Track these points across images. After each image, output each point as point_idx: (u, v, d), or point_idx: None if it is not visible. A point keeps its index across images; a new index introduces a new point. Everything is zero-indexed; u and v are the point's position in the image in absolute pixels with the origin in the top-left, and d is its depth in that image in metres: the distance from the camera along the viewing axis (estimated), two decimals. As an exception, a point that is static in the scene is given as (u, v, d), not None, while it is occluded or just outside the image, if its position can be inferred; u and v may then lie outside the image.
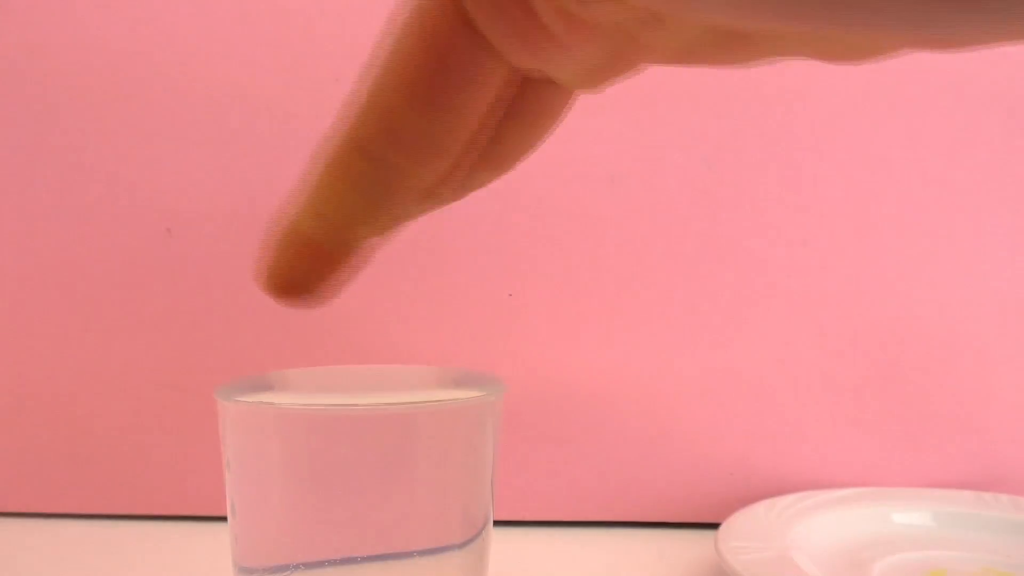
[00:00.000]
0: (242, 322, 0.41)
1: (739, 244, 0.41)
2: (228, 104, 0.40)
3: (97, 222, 0.41)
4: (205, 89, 0.40)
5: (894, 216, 0.41)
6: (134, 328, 0.41)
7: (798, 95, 0.41)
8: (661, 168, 0.41)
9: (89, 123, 0.41)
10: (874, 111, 0.41)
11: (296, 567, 0.23)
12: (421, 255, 0.40)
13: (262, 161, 0.40)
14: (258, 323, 0.41)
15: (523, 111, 0.17)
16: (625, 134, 0.41)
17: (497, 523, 0.31)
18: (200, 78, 0.40)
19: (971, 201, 0.41)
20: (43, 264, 0.41)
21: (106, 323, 0.41)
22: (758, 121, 0.41)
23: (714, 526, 0.36)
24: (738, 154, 0.41)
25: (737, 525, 0.35)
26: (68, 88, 0.40)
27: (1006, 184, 0.41)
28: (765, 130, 0.41)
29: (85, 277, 0.41)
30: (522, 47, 0.15)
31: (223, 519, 0.25)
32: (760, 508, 0.38)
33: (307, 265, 0.18)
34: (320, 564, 0.23)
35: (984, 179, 0.41)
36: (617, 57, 0.15)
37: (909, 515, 0.39)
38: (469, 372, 0.29)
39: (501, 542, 0.37)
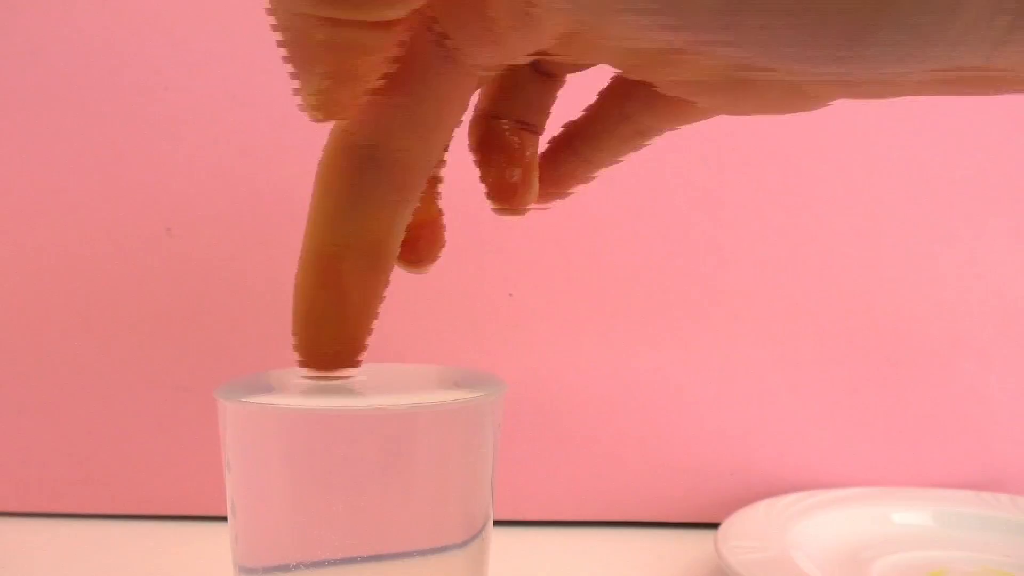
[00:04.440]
0: (242, 322, 0.41)
1: (739, 244, 0.41)
2: (228, 104, 0.40)
3: (97, 222, 0.41)
4: (205, 89, 0.40)
5: (894, 216, 0.41)
6: (134, 328, 0.41)
7: (798, 95, 0.41)
8: (661, 168, 0.41)
9: (89, 123, 0.41)
10: (874, 110, 0.41)
11: (296, 567, 0.23)
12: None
13: (262, 161, 0.40)
14: (258, 323, 0.41)
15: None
16: (625, 134, 0.41)
17: (497, 523, 0.31)
18: (200, 78, 0.40)
19: (971, 201, 0.41)
20: (43, 264, 0.41)
21: (106, 323, 0.41)
22: (758, 121, 0.41)
23: (714, 526, 0.36)
24: (738, 154, 0.41)
25: (737, 525, 0.35)
26: (68, 88, 0.40)
27: (1006, 184, 0.41)
28: (765, 130, 0.41)
29: (85, 277, 0.41)
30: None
31: (223, 519, 0.25)
32: (760, 508, 0.38)
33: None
34: (320, 564, 0.23)
35: (984, 179, 0.41)
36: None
37: (909, 515, 0.39)
38: (470, 372, 0.29)
39: (501, 542, 0.37)
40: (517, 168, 0.21)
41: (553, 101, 0.22)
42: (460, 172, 0.22)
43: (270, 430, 0.23)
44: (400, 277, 0.45)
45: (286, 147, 0.40)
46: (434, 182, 0.21)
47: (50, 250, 0.41)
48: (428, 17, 0.16)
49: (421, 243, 0.22)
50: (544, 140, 0.23)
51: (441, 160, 0.21)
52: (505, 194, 0.21)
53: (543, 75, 0.21)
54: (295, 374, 0.28)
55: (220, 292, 0.41)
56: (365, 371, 0.30)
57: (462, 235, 0.42)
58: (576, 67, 0.21)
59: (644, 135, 0.22)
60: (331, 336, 0.19)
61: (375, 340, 0.39)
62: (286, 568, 0.23)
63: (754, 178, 0.41)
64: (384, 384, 0.28)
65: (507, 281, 0.41)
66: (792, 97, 0.16)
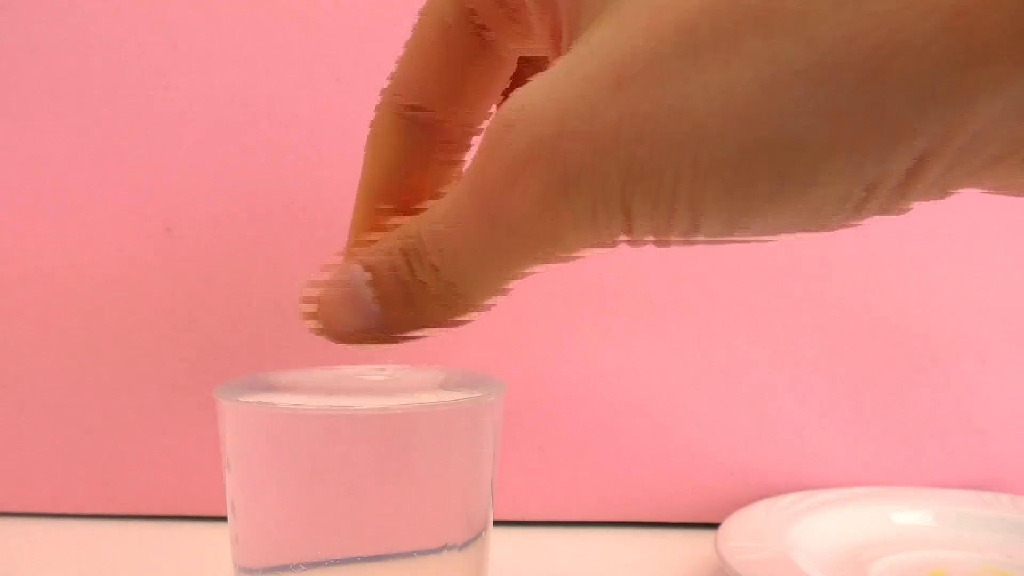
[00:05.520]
0: (242, 322, 0.41)
1: (739, 244, 0.41)
2: (228, 104, 0.40)
3: (97, 222, 0.41)
4: (205, 89, 0.40)
5: (894, 216, 0.41)
6: (133, 328, 0.41)
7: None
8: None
9: (89, 122, 0.41)
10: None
11: (296, 567, 0.23)
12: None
13: (262, 161, 0.40)
14: (258, 323, 0.41)
15: None
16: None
17: (497, 523, 0.31)
18: (200, 78, 0.40)
19: (971, 201, 0.41)
20: (43, 264, 0.41)
21: (106, 323, 0.41)
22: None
23: (714, 526, 0.36)
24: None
25: (737, 525, 0.35)
26: (68, 87, 0.40)
27: (1006, 184, 0.41)
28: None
29: (85, 277, 0.41)
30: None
31: (223, 519, 0.25)
32: (760, 508, 0.38)
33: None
34: (320, 564, 0.23)
35: (984, 179, 0.41)
36: None
37: (909, 515, 0.39)
38: (469, 373, 0.29)
39: (501, 542, 0.37)
40: None
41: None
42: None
43: (270, 430, 0.23)
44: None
45: (286, 147, 0.40)
46: (463, 146, 0.22)
47: (50, 250, 0.41)
48: (468, 12, 0.18)
49: None
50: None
51: (480, 123, 0.21)
52: None
53: None
54: (295, 374, 0.28)
55: (220, 292, 0.41)
56: (365, 372, 0.30)
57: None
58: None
59: None
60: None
61: (375, 340, 0.38)
62: (286, 568, 0.23)
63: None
64: (384, 385, 0.28)
65: (507, 281, 0.41)
66: None
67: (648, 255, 0.41)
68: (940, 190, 0.14)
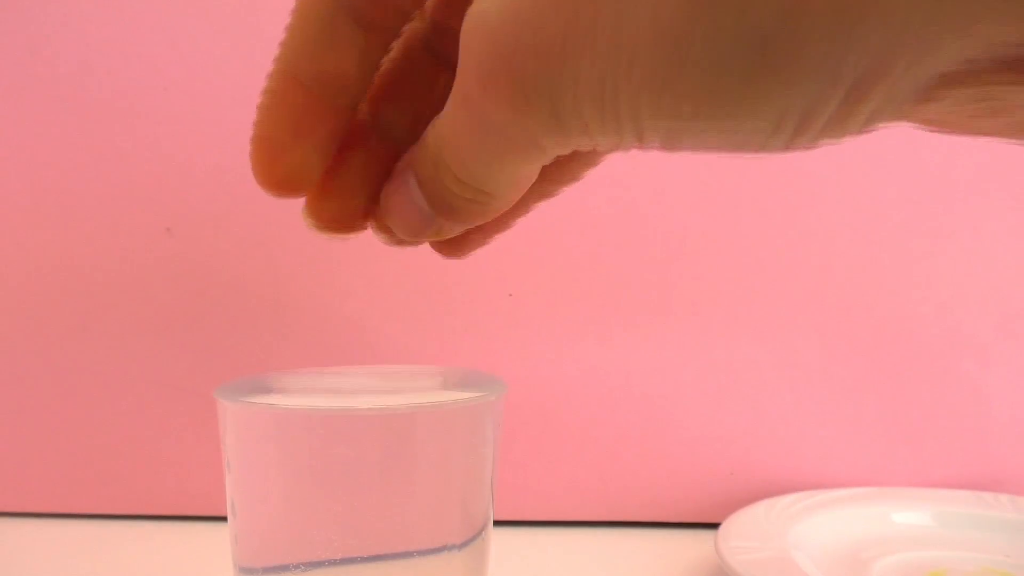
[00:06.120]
0: (242, 322, 0.41)
1: (739, 244, 0.41)
2: (228, 104, 0.40)
3: (97, 222, 0.41)
4: (205, 89, 0.40)
5: (893, 215, 0.41)
6: (134, 328, 0.41)
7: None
8: (661, 167, 0.41)
9: (89, 122, 0.41)
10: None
11: (296, 567, 0.23)
12: (421, 255, 0.40)
13: (262, 161, 0.40)
14: (258, 323, 0.41)
15: None
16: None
17: (497, 523, 0.31)
18: (200, 78, 0.40)
19: (970, 201, 0.41)
20: (43, 264, 0.41)
21: (106, 323, 0.41)
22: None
23: (714, 526, 0.36)
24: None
25: (737, 525, 0.35)
26: (68, 87, 0.40)
27: (1006, 184, 0.41)
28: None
29: (85, 277, 0.41)
30: None
31: (223, 519, 0.25)
32: (760, 508, 0.38)
33: None
34: (320, 564, 0.23)
35: (983, 179, 0.41)
36: None
37: (909, 515, 0.39)
38: (470, 372, 0.29)
39: (501, 542, 0.37)
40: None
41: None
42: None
43: (270, 430, 0.23)
44: (400, 277, 0.45)
45: (286, 147, 0.40)
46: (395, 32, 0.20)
47: (50, 250, 0.41)
48: None
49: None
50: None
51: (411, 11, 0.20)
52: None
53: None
54: (295, 374, 0.28)
55: (220, 292, 0.41)
56: (365, 372, 0.30)
57: (462, 235, 0.42)
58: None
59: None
60: (283, 162, 0.19)
61: (376, 340, 0.40)
62: (286, 568, 0.23)
63: (754, 177, 0.41)
64: (384, 384, 0.28)
65: (507, 281, 0.41)
66: None
67: (648, 255, 0.41)
68: (883, 121, 0.14)
